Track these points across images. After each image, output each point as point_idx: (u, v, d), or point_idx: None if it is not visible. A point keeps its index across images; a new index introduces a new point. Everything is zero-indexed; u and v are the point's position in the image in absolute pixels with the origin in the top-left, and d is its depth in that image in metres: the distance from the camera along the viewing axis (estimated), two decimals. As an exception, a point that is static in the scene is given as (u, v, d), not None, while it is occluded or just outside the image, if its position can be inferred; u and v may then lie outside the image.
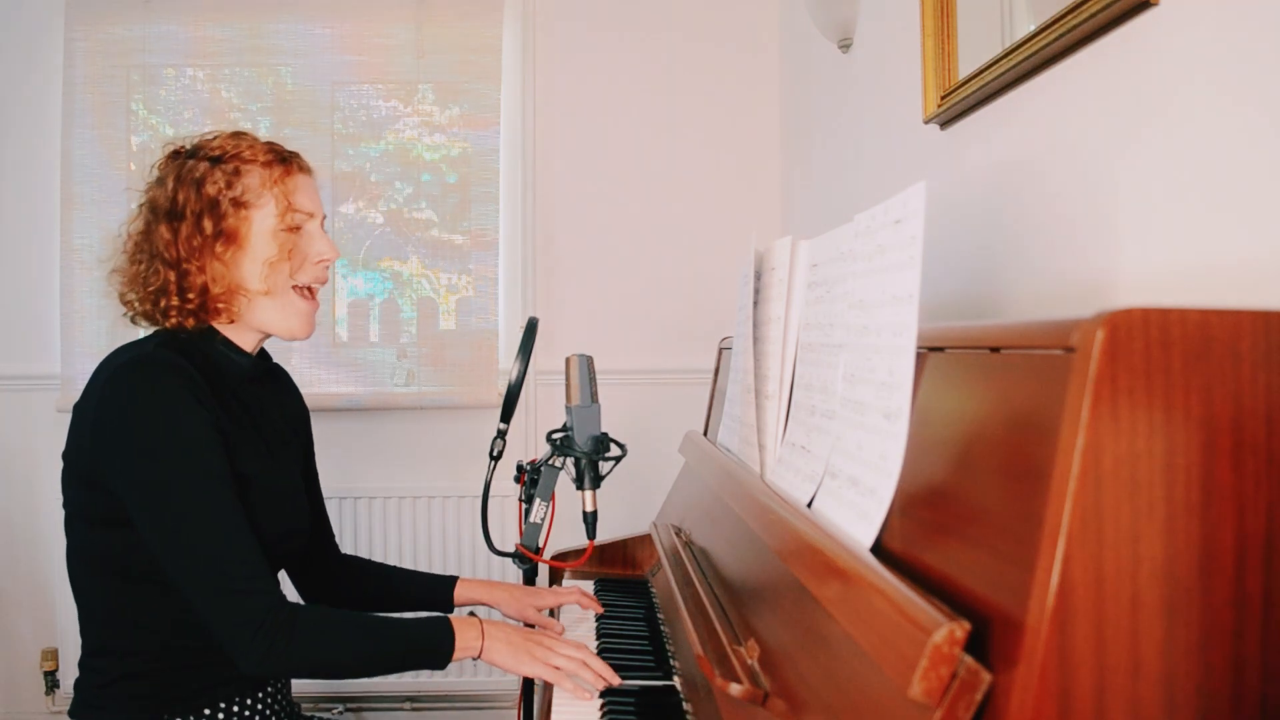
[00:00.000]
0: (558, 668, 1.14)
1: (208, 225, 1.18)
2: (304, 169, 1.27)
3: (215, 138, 1.24)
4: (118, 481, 1.10)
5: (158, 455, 1.08)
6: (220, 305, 1.20)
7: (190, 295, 1.18)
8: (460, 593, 1.44)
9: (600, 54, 2.63)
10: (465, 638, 1.15)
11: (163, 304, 1.19)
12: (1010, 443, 0.58)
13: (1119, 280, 0.99)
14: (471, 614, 1.21)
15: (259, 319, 1.24)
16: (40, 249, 2.56)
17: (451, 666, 1.20)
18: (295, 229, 1.23)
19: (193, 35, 2.54)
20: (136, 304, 1.22)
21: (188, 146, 1.25)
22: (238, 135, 1.25)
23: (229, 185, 1.19)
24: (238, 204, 1.19)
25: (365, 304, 2.61)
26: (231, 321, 1.23)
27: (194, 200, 1.19)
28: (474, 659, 1.16)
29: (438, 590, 1.45)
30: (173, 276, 1.18)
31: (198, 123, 2.55)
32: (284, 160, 1.24)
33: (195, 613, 1.09)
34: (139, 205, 1.25)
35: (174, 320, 1.19)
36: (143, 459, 1.08)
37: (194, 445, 1.10)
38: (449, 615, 1.19)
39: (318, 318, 1.36)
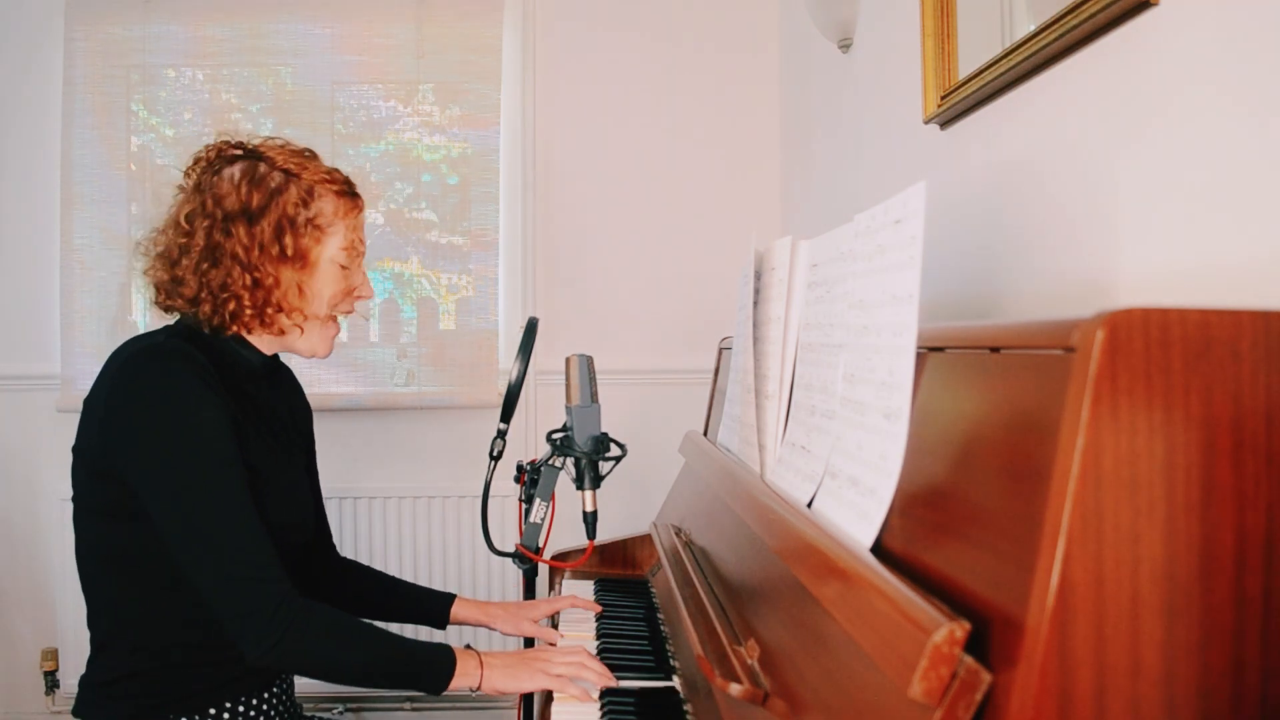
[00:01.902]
0: (559, 675, 1.15)
1: (287, 241, 1.19)
2: (361, 206, 1.30)
3: (282, 148, 1.24)
4: (130, 470, 1.10)
5: (170, 442, 1.08)
6: (270, 317, 1.21)
7: (259, 301, 1.19)
8: (456, 611, 1.44)
9: (600, 54, 2.63)
10: (465, 666, 1.16)
11: (231, 306, 1.18)
12: (1010, 443, 0.58)
13: (1119, 280, 0.99)
14: (468, 646, 1.22)
15: (290, 340, 1.26)
16: (40, 249, 2.55)
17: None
18: (352, 264, 1.27)
19: (193, 35, 2.54)
20: (187, 293, 1.18)
21: (249, 146, 1.24)
22: (306, 155, 1.26)
23: (304, 204, 1.21)
24: (313, 226, 1.21)
25: (365, 304, 2.61)
26: (279, 333, 1.24)
27: (273, 210, 1.19)
28: (473, 689, 1.16)
29: (434, 604, 1.44)
30: (247, 280, 1.18)
31: (198, 123, 2.55)
32: (353, 194, 1.27)
33: (204, 605, 1.09)
34: (192, 191, 1.21)
35: (234, 325, 1.20)
36: (155, 446, 1.08)
37: (207, 432, 1.09)
38: (451, 646, 1.19)
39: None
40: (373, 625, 1.17)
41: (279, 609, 1.07)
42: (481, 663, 1.17)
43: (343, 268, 1.26)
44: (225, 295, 1.18)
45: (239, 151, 1.23)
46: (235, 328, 1.21)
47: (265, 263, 1.19)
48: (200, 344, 1.18)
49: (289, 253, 1.20)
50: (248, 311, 1.19)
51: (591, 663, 1.17)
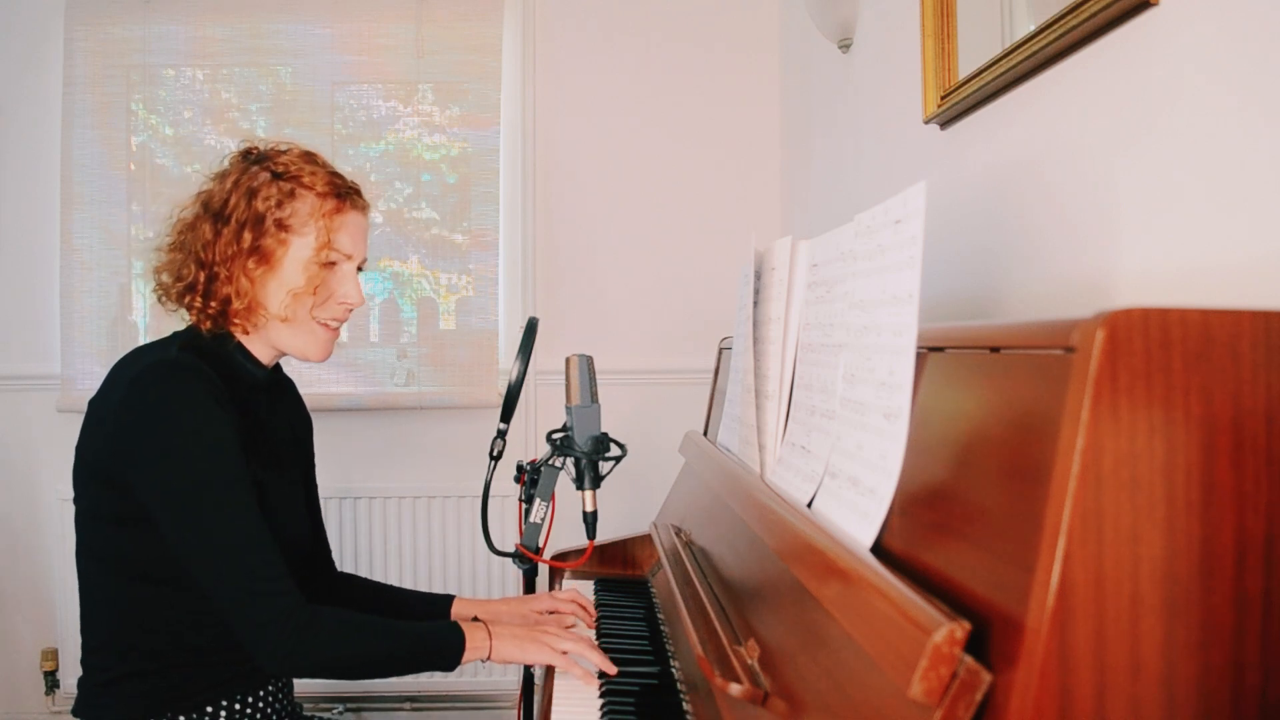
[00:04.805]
0: (565, 652, 1.18)
1: (246, 238, 1.19)
2: (359, 207, 1.27)
3: (287, 151, 1.25)
4: (140, 483, 1.11)
5: (183, 458, 1.09)
6: (238, 319, 1.21)
7: (213, 302, 1.20)
8: (457, 610, 1.44)
9: (600, 53, 2.63)
10: (474, 639, 1.18)
11: (187, 299, 1.21)
12: (1010, 443, 0.58)
13: (1119, 280, 0.99)
14: (475, 619, 1.24)
15: (276, 339, 1.25)
16: (40, 249, 2.55)
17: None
18: (329, 265, 1.23)
19: (193, 35, 2.54)
20: (168, 287, 1.24)
21: (260, 150, 1.25)
22: (308, 157, 1.25)
23: (279, 205, 1.20)
24: (281, 225, 1.20)
25: (365, 304, 2.61)
26: (246, 334, 1.24)
27: (242, 209, 1.19)
28: (483, 660, 1.19)
29: (434, 610, 1.44)
30: (202, 277, 1.20)
31: (197, 123, 2.55)
32: (340, 195, 1.24)
33: (211, 612, 1.11)
34: (198, 191, 1.25)
35: (194, 318, 1.21)
36: (168, 461, 1.09)
37: (218, 448, 1.11)
38: (458, 622, 1.21)
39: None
40: (380, 618, 1.18)
41: (289, 619, 1.09)
42: (490, 633, 1.19)
43: (321, 266, 1.22)
44: (185, 290, 1.21)
45: (251, 156, 1.25)
46: (209, 325, 1.21)
47: (223, 262, 1.19)
48: (208, 356, 1.19)
49: (252, 251, 1.18)
50: (211, 306, 1.19)
51: (595, 649, 1.20)
